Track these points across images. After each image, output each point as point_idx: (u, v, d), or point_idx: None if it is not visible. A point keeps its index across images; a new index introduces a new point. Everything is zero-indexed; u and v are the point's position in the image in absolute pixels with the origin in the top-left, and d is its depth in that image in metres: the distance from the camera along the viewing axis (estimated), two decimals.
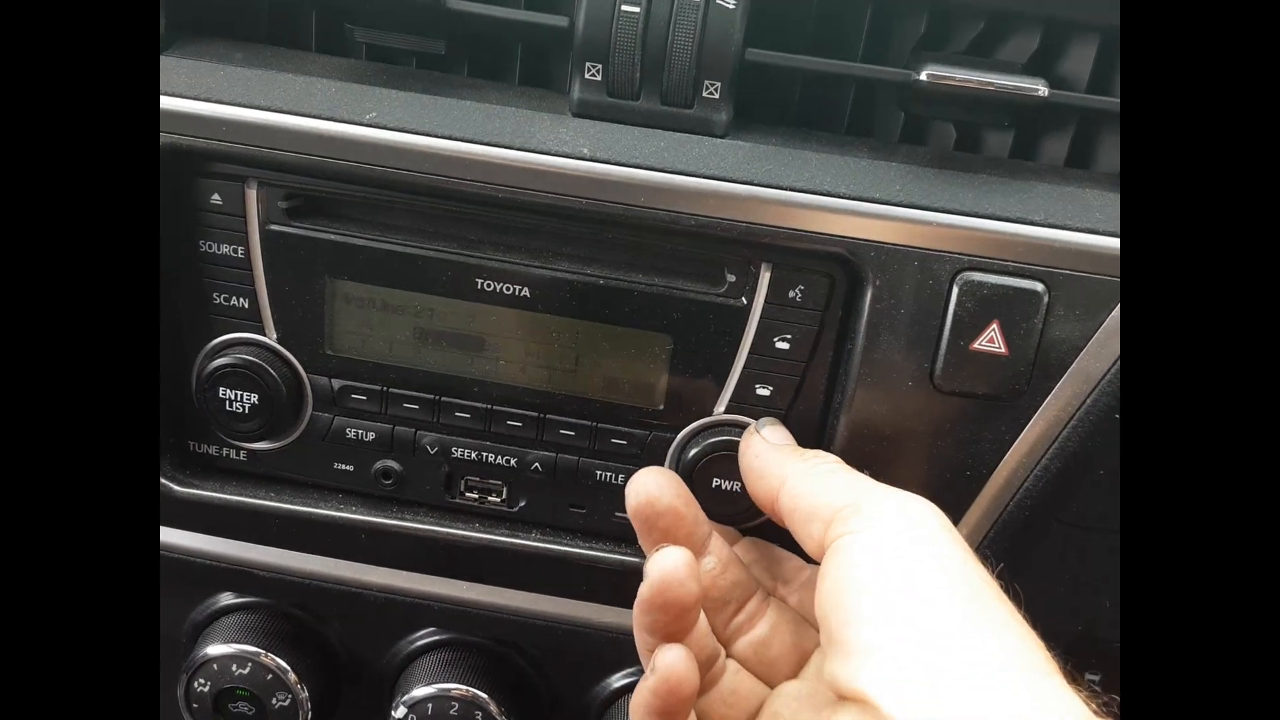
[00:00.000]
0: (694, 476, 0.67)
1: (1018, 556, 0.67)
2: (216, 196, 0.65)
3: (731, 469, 0.66)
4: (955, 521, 0.65)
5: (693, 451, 0.67)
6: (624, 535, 0.72)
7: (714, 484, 0.67)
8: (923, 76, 0.59)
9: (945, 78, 0.59)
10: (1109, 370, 0.61)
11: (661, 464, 0.69)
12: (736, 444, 0.66)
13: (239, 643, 0.76)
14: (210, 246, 0.67)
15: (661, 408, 0.68)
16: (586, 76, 0.62)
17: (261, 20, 0.68)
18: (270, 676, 0.76)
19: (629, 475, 0.69)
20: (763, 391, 0.66)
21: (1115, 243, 0.60)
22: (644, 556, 0.71)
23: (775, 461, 0.61)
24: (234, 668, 0.75)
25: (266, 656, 0.76)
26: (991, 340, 0.61)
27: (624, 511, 0.70)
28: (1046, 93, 0.59)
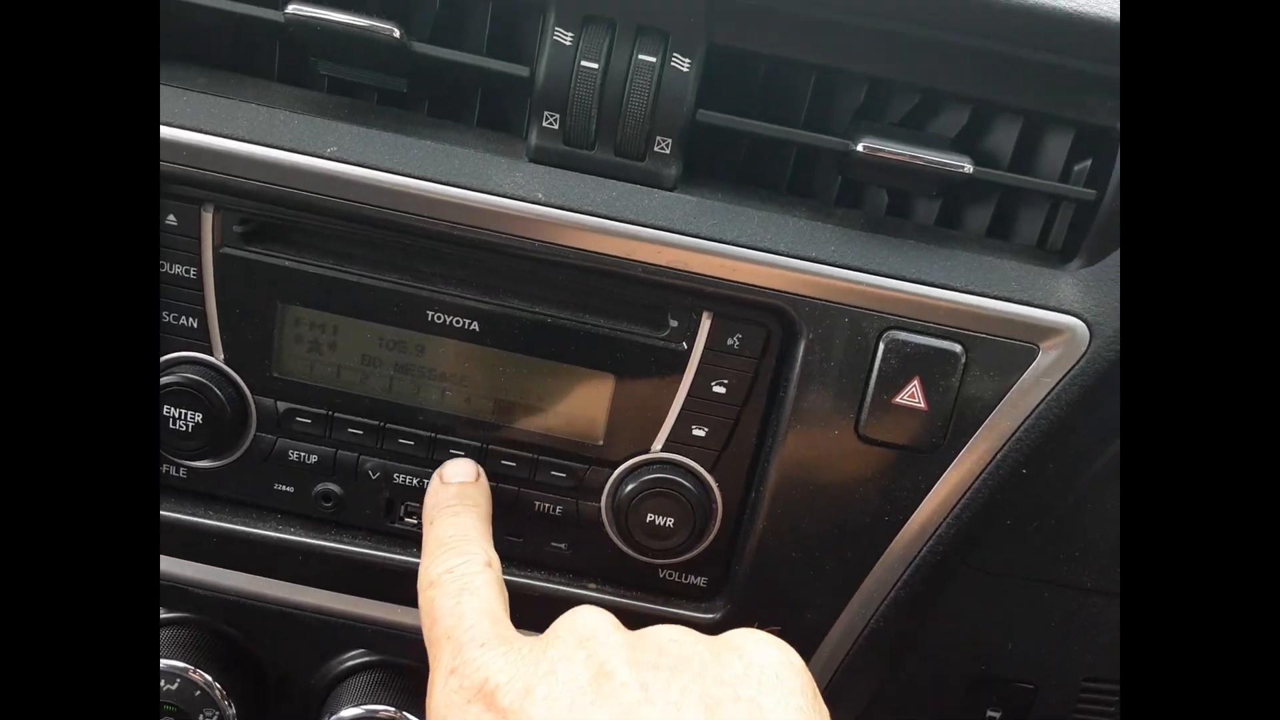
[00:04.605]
0: (629, 511, 0.69)
1: (929, 598, 0.72)
2: (171, 217, 0.66)
3: (666, 505, 0.69)
4: (872, 564, 0.70)
5: (629, 487, 0.70)
6: (560, 565, 0.74)
7: (648, 519, 0.69)
8: (859, 147, 0.63)
9: (879, 150, 0.63)
10: (1019, 427, 0.66)
11: (599, 498, 0.71)
12: (672, 481, 0.69)
13: (167, 658, 0.76)
14: (162, 266, 0.67)
15: (601, 443, 0.70)
16: (544, 124, 0.65)
17: (224, 47, 0.69)
18: (198, 693, 0.76)
19: (567, 508, 0.72)
20: (698, 432, 0.69)
21: (1028, 310, 0.65)
22: (580, 588, 0.74)
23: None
24: (161, 683, 0.75)
25: (195, 673, 0.76)
26: (912, 395, 0.65)
27: (561, 542, 0.73)
28: (972, 169, 0.64)
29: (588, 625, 0.53)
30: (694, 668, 0.50)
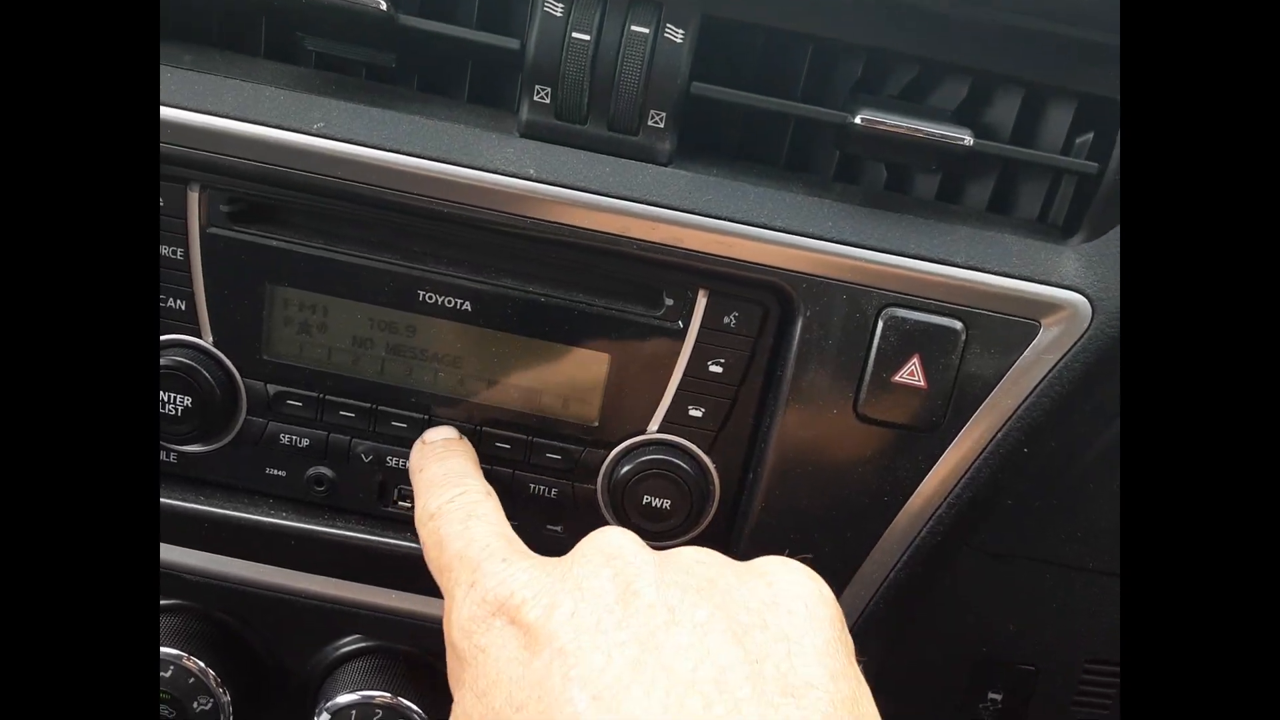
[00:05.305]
0: (625, 492, 0.69)
1: (929, 580, 0.71)
2: None
3: (663, 486, 0.68)
4: (871, 545, 0.69)
5: (625, 468, 0.69)
6: (556, 548, 0.73)
7: (645, 500, 0.69)
8: (857, 120, 0.62)
9: (878, 122, 0.62)
10: (1020, 405, 0.65)
11: (595, 480, 0.71)
12: (668, 462, 0.68)
13: (162, 645, 0.75)
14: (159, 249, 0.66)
15: (596, 424, 0.69)
16: (535, 98, 0.64)
17: (211, 24, 0.68)
18: (192, 680, 0.75)
19: (562, 490, 0.71)
20: (695, 412, 0.68)
21: (1029, 286, 0.64)
22: None
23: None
24: None
25: (189, 660, 0.75)
26: (912, 373, 0.64)
27: (556, 524, 0.72)
28: (972, 142, 0.62)
29: (614, 544, 0.52)
30: (720, 590, 0.49)
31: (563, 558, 0.53)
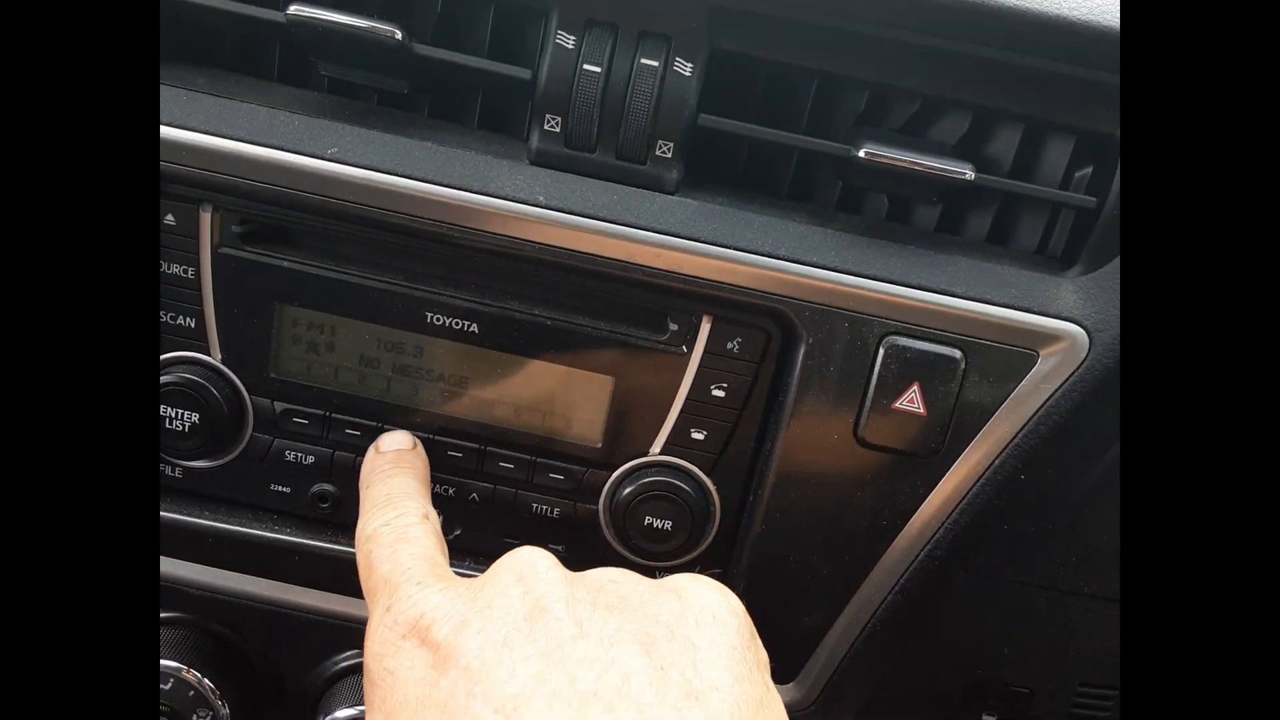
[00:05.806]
0: (627, 514, 0.69)
1: (926, 602, 0.72)
2: (170, 217, 0.66)
3: (664, 508, 0.69)
4: (869, 568, 0.70)
5: (627, 490, 0.70)
6: None
7: (646, 522, 0.69)
8: (861, 153, 0.63)
9: (881, 155, 0.63)
10: (1018, 433, 0.66)
11: (597, 501, 0.71)
12: (670, 484, 0.69)
13: (161, 658, 0.76)
14: (160, 266, 0.67)
15: (599, 446, 0.70)
16: (545, 127, 0.65)
17: (225, 47, 0.69)
18: (192, 693, 0.75)
19: (564, 510, 0.72)
20: (697, 435, 0.69)
21: (1028, 316, 0.65)
22: None
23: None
24: None
25: (188, 673, 0.76)
26: (912, 400, 0.65)
27: (558, 544, 0.73)
28: (973, 176, 0.64)
29: (527, 563, 0.53)
30: (631, 606, 0.50)
31: (477, 578, 0.54)
